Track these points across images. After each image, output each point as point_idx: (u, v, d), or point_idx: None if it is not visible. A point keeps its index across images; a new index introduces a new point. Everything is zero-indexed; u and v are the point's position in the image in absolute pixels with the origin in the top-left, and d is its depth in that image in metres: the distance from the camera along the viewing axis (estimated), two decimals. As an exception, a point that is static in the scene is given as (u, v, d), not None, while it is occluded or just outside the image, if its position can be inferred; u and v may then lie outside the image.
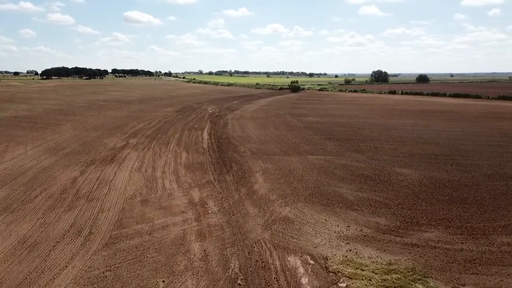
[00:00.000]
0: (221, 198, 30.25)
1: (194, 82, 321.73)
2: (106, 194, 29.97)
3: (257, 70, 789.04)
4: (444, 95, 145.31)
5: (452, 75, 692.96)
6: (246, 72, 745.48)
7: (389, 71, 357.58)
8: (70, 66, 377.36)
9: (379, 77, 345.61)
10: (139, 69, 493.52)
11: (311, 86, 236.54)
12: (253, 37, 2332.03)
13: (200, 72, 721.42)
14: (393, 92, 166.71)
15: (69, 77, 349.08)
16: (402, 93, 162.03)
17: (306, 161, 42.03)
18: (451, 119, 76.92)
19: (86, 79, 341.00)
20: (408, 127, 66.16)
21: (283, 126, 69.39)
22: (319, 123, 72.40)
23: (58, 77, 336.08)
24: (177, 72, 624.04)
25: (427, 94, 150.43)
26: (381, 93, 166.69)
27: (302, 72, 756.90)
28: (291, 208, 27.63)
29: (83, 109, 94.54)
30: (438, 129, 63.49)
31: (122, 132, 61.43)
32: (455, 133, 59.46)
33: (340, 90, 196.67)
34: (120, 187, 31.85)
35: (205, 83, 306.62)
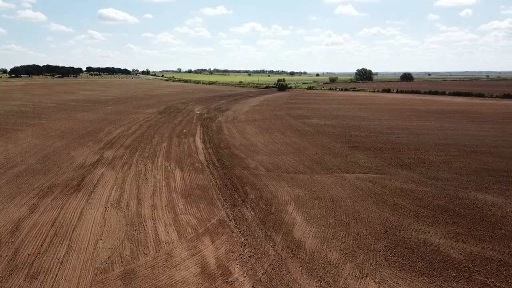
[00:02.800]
0: (249, 257, 19.13)
1: (174, 81, 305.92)
2: (62, 261, 18.03)
3: (237, 69, 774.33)
4: (443, 93, 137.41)
5: (429, 74, 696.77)
6: (226, 71, 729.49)
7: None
8: (42, 65, 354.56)
9: (364, 76, 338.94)
10: (116, 67, 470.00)
11: (297, 84, 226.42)
12: (232, 36, 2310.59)
13: (179, 71, 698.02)
14: (387, 91, 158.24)
15: (41, 76, 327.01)
16: (397, 92, 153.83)
17: (345, 182, 31.24)
18: (475, 121, 67.76)
19: (59, 77, 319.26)
20: (436, 131, 56.36)
21: (289, 130, 58.55)
22: (330, 126, 61.89)
23: (28, 76, 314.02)
24: (154, 70, 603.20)
25: (425, 93, 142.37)
26: (374, 91, 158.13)
27: (282, 71, 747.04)
28: (374, 281, 16.69)
29: (50, 111, 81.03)
30: (473, 134, 53.90)
31: (95, 141, 49.25)
32: (499, 139, 49.88)
33: (330, 89, 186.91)
34: (87, 243, 20.07)
35: (186, 81, 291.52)
